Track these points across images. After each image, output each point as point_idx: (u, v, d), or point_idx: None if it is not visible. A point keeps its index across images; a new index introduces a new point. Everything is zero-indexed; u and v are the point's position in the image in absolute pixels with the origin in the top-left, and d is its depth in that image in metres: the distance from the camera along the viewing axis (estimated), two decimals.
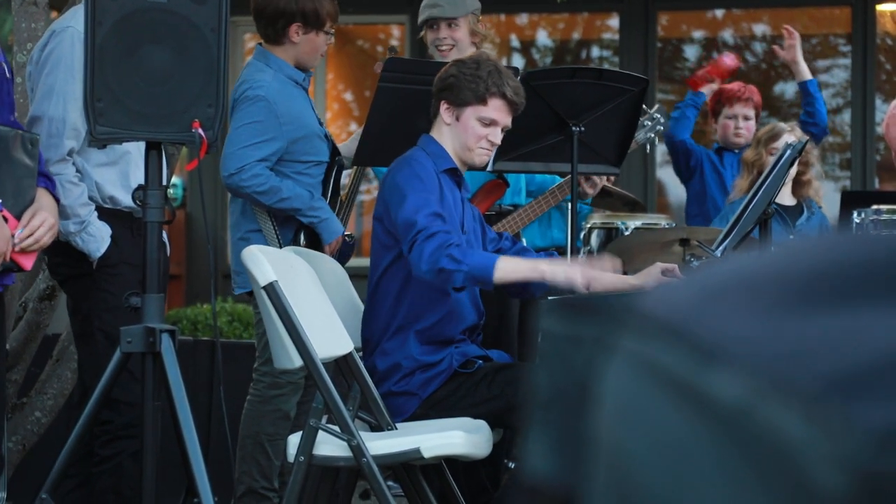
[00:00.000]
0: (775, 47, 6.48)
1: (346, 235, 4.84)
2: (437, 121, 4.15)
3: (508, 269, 3.85)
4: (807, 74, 6.35)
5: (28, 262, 3.65)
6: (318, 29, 4.79)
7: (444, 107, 4.10)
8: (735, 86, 6.43)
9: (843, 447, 0.57)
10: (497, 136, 4.09)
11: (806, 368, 0.60)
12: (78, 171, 4.07)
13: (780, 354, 0.60)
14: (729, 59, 6.43)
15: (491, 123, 4.06)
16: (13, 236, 3.58)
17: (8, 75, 3.78)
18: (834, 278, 0.64)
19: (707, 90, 6.36)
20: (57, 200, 3.78)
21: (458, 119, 4.08)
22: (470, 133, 4.07)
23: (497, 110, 4.06)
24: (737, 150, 6.32)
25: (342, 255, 4.83)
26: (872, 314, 0.62)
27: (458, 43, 5.15)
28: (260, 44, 4.91)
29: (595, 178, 5.13)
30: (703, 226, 5.74)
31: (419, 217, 3.88)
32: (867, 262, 0.65)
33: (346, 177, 5.12)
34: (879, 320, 0.61)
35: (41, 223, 3.61)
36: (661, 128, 5.59)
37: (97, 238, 4.07)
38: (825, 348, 0.61)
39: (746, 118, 6.33)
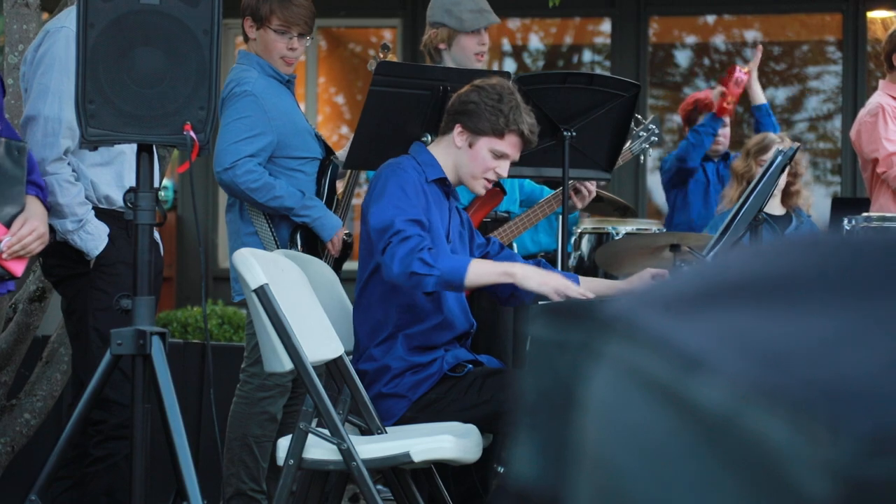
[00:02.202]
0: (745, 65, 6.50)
1: (345, 234, 4.85)
2: (444, 138, 4.13)
3: (480, 272, 3.85)
4: (760, 98, 6.44)
5: (18, 269, 3.65)
6: (265, 26, 4.78)
7: (458, 130, 4.08)
8: (709, 94, 6.49)
9: (829, 453, 0.57)
10: (504, 170, 4.09)
11: (791, 374, 0.60)
12: (74, 170, 4.07)
13: (765, 360, 0.60)
14: (741, 75, 6.43)
15: (502, 156, 4.07)
16: (0, 242, 3.59)
17: None
18: (819, 282, 0.64)
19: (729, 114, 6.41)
20: (47, 208, 3.78)
21: (470, 146, 4.07)
22: (479, 163, 4.06)
23: (512, 146, 4.06)
24: (716, 159, 6.36)
25: (342, 254, 4.84)
26: (857, 318, 0.62)
27: (487, 48, 5.21)
28: (243, 50, 4.95)
29: (584, 190, 5.09)
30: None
31: (396, 221, 3.87)
32: (853, 264, 0.65)
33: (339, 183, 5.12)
34: (865, 324, 0.61)
35: (30, 231, 3.62)
36: (656, 139, 5.59)
37: (95, 236, 4.07)
38: (810, 353, 0.61)
39: (724, 125, 6.39)
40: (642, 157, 5.69)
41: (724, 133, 6.39)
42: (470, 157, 4.06)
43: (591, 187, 5.10)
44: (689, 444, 0.61)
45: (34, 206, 3.69)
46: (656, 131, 5.54)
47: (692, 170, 6.33)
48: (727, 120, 6.46)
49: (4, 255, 3.60)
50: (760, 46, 6.47)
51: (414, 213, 3.91)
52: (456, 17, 5.15)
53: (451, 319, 4.06)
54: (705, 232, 5.71)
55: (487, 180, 4.10)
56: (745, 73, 6.42)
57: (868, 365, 0.59)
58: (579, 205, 5.15)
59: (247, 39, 4.89)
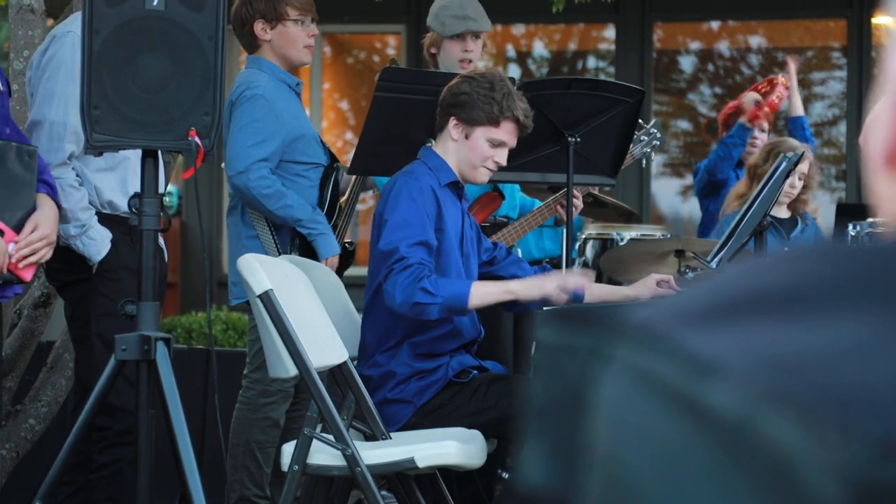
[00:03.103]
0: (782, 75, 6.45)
1: (347, 242, 4.85)
2: (442, 135, 4.13)
3: (482, 294, 3.89)
4: (798, 110, 6.37)
5: (28, 274, 3.65)
6: (282, 19, 4.79)
7: (453, 123, 4.08)
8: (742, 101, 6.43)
9: (841, 457, 0.57)
10: (503, 158, 4.09)
11: (803, 379, 0.60)
12: (78, 175, 4.07)
13: (778, 365, 0.60)
14: (783, 90, 6.34)
15: (500, 145, 4.06)
16: (10, 246, 3.59)
17: (2, 88, 3.79)
18: (833, 290, 0.64)
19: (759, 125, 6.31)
20: (59, 206, 3.79)
21: (466, 137, 4.06)
22: (477, 153, 4.06)
23: (508, 133, 4.06)
24: None
25: (343, 263, 4.84)
26: (871, 325, 0.62)
27: (475, 56, 5.19)
28: (252, 55, 4.95)
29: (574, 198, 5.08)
30: None
31: (401, 245, 3.87)
32: (868, 272, 0.65)
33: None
34: (878, 331, 0.61)
35: (41, 238, 3.62)
36: (658, 143, 5.56)
37: (98, 242, 4.07)
38: (823, 359, 0.61)
39: (762, 130, 6.32)
40: (644, 162, 5.66)
41: (763, 138, 6.32)
42: (468, 149, 4.06)
43: (578, 203, 5.08)
44: (701, 449, 0.60)
45: (47, 207, 3.68)
46: (658, 135, 5.52)
47: (723, 181, 6.27)
48: (764, 126, 6.36)
49: (13, 259, 3.60)
50: (794, 57, 6.43)
51: (420, 235, 3.90)
52: (441, 22, 5.17)
53: (460, 328, 4.06)
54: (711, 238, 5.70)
55: (487, 169, 4.10)
56: (786, 87, 6.35)
57: (881, 371, 0.59)
58: (565, 218, 5.16)
59: (252, 49, 4.87)
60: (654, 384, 0.63)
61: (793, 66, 6.40)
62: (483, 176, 4.12)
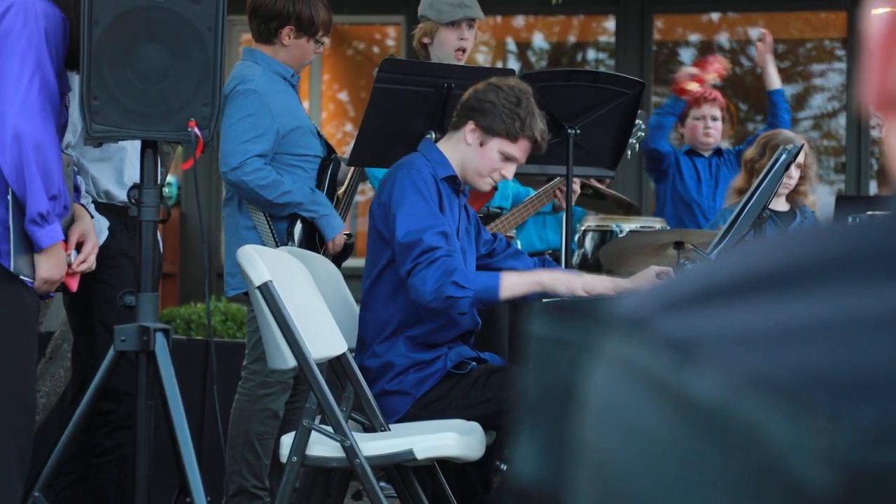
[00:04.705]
0: (758, 44, 6.46)
1: (346, 235, 4.85)
2: (455, 135, 4.11)
3: (512, 285, 3.89)
4: (775, 83, 6.38)
5: (74, 284, 3.67)
6: (310, 36, 4.81)
7: (470, 127, 4.07)
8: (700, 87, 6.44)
9: (830, 443, 0.57)
10: (510, 173, 4.09)
11: (788, 364, 0.59)
12: (74, 165, 4.08)
13: (762, 347, 0.60)
14: (719, 65, 6.35)
15: (510, 159, 4.06)
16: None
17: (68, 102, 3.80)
18: (817, 268, 0.64)
19: (689, 97, 6.32)
20: (90, 214, 3.81)
21: (481, 144, 4.05)
22: (487, 162, 4.05)
23: (521, 150, 4.06)
24: (706, 154, 6.33)
25: (342, 254, 4.84)
26: (856, 304, 0.61)
27: (469, 45, 5.20)
28: (248, 47, 4.94)
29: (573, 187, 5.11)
30: (676, 228, 5.76)
31: (424, 237, 3.86)
32: (851, 249, 0.65)
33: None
34: (864, 311, 0.61)
35: (92, 248, 3.64)
36: (643, 133, 5.59)
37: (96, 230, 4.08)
38: (808, 342, 0.60)
39: (714, 118, 6.33)
40: (629, 153, 5.67)
41: (716, 126, 6.34)
42: (479, 156, 4.05)
43: (576, 188, 5.12)
44: (685, 439, 0.60)
45: (85, 216, 3.70)
46: (642, 126, 5.54)
47: (656, 152, 6.27)
48: (717, 114, 6.35)
49: (69, 271, 3.62)
50: (765, 31, 6.42)
51: (440, 226, 3.90)
52: (436, 10, 5.17)
53: (457, 318, 4.06)
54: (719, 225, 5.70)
55: (493, 180, 4.10)
56: (723, 70, 6.35)
57: (869, 352, 0.59)
58: (564, 203, 5.19)
59: (260, 38, 4.85)
60: (639, 374, 0.63)
61: (768, 40, 6.39)
62: (486, 185, 4.13)
